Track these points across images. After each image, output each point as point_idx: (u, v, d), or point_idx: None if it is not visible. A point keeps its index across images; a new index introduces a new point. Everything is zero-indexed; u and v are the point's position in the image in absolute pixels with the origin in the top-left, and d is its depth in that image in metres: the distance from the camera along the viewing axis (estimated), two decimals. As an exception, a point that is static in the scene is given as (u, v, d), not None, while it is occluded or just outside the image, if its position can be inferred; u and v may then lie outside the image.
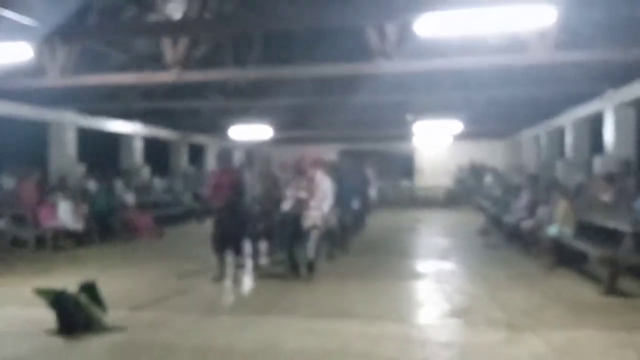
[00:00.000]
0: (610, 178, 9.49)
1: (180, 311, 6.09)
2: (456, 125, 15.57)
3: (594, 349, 4.66)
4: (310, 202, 7.53)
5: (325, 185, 7.77)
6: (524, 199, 10.74)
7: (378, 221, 14.76)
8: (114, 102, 12.65)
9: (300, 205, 7.55)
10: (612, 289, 6.50)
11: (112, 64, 9.85)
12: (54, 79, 8.93)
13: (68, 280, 6.24)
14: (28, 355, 4.67)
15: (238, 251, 7.89)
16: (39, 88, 9.50)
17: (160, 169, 18.27)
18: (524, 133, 20.48)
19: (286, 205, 7.68)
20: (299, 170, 7.66)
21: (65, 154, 13.61)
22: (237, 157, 20.27)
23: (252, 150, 21.69)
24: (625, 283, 6.76)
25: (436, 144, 22.85)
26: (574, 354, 4.57)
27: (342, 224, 9.60)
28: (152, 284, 7.46)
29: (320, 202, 7.61)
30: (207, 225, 8.27)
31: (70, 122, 13.69)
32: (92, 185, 12.93)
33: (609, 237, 7.31)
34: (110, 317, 5.40)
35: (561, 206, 8.36)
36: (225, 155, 8.45)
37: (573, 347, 4.71)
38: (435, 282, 7.62)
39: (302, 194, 7.57)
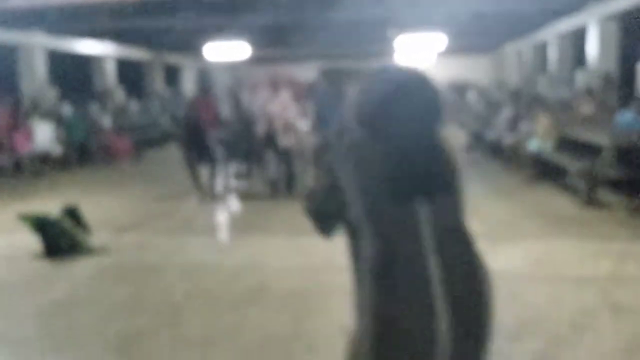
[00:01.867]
0: (591, 92, 9.47)
1: (163, 233, 6.11)
2: (440, 39, 15.23)
3: (570, 259, 4.79)
4: (284, 121, 7.42)
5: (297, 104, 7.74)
6: (505, 114, 10.73)
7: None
8: (83, 22, 12.11)
9: (274, 124, 7.44)
10: (590, 202, 6.64)
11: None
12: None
13: (49, 206, 6.19)
14: (15, 279, 4.69)
15: (211, 161, 7.88)
16: (4, 8, 9.02)
17: (136, 92, 17.82)
18: (507, 48, 20.20)
19: (261, 126, 7.58)
20: (272, 90, 7.53)
21: (36, 77, 13.15)
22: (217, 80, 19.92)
23: (230, 73, 21.35)
24: (603, 195, 6.90)
25: (419, 61, 22.52)
26: (551, 263, 4.70)
27: (323, 143, 9.55)
28: (133, 207, 7.44)
29: (293, 120, 7.55)
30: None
31: (39, 44, 13.14)
32: (66, 109, 12.60)
33: (589, 150, 7.38)
34: (95, 240, 5.41)
35: (542, 121, 8.37)
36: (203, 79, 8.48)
37: (550, 257, 4.84)
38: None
39: (275, 111, 7.45)
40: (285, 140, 7.44)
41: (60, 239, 5.19)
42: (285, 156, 7.55)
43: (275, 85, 7.48)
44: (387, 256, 1.70)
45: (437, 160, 1.81)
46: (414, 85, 1.87)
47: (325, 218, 1.97)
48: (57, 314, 3.91)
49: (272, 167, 7.70)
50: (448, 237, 1.76)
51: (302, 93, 8.64)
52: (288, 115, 7.43)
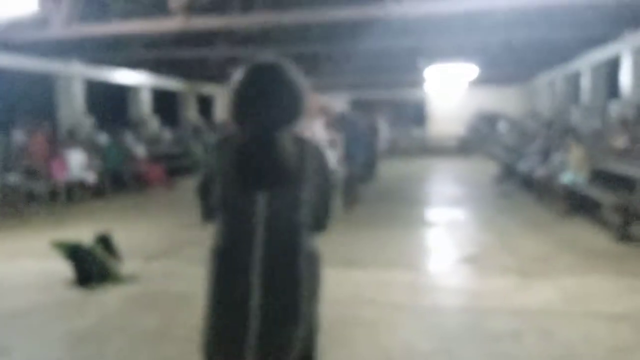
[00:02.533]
0: (625, 123, 9.30)
1: (193, 261, 6.14)
2: (471, 70, 15.23)
3: (604, 295, 4.67)
4: None
5: (331, 133, 7.74)
6: (537, 145, 10.61)
7: (390, 170, 14.73)
8: (120, 52, 12.49)
9: None
10: (624, 236, 6.48)
11: (116, 12, 9.65)
12: (58, 29, 8.79)
13: (82, 233, 6.32)
14: (45, 306, 4.75)
15: None
16: (44, 39, 9.37)
17: (170, 120, 18.21)
18: (539, 78, 20.05)
19: None
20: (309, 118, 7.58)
21: (73, 106, 13.56)
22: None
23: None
24: (638, 230, 6.72)
25: (449, 91, 22.50)
26: (584, 299, 4.58)
27: (351, 174, 9.56)
28: (164, 235, 7.53)
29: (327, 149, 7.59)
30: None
31: (77, 73, 13.59)
32: (102, 138, 12.94)
33: (623, 184, 7.23)
34: (125, 267, 5.48)
35: (575, 153, 8.24)
36: None
37: (583, 293, 4.72)
38: (447, 230, 7.62)
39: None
40: None
41: (92, 267, 5.27)
42: None
43: (308, 113, 7.50)
44: (226, 240, 1.97)
45: (280, 155, 1.93)
46: (268, 82, 1.99)
47: (204, 208, 2.16)
48: (86, 341, 3.95)
49: None
50: (278, 227, 1.93)
51: (333, 122, 8.65)
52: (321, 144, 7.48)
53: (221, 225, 2.01)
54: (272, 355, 1.92)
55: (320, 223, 2.11)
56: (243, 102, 2.00)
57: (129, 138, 13.41)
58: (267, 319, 1.91)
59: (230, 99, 2.02)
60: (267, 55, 2.12)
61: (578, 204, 8.08)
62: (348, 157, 9.15)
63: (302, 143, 2.00)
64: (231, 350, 1.94)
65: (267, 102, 1.97)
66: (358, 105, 21.61)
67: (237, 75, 2.05)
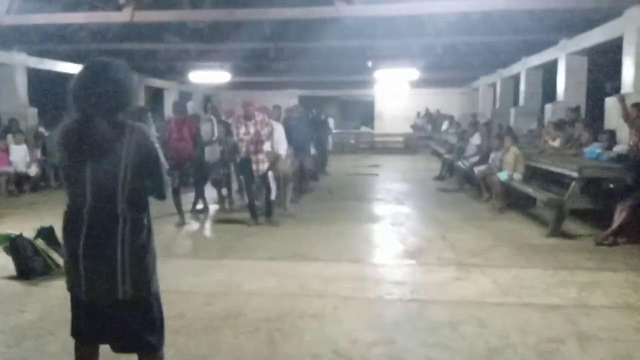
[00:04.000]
0: (560, 125, 9.78)
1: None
2: (417, 71, 15.61)
3: (537, 287, 4.92)
4: (260, 147, 7.47)
5: (277, 130, 7.78)
6: (476, 145, 11.02)
7: (337, 167, 14.91)
8: (65, 43, 12.14)
9: (249, 150, 7.48)
10: (557, 231, 6.84)
11: (63, 2, 9.39)
12: (1, 18, 8.50)
13: (24, 226, 6.18)
14: (-15, 300, 4.64)
15: (199, 195, 8.02)
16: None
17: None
18: (480, 81, 20.70)
19: (242, 151, 7.61)
20: (246, 116, 7.53)
21: (15, 96, 13.07)
22: (195, 104, 19.97)
23: (208, 98, 21.41)
24: (570, 225, 7.11)
25: (395, 91, 22.94)
26: (519, 290, 4.83)
27: (300, 170, 9.65)
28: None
29: (271, 145, 7.61)
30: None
31: (19, 63, 13.09)
32: (44, 129, 12.56)
33: (558, 182, 7.62)
34: (68, 261, 5.39)
35: (511, 152, 8.61)
36: (180, 103, 8.37)
37: (518, 285, 4.97)
38: (391, 224, 7.83)
39: (249, 138, 7.47)
40: (260, 166, 7.48)
41: (33, 260, 5.16)
42: (262, 181, 7.61)
43: (247, 111, 7.49)
44: (68, 204, 2.46)
45: (95, 135, 2.34)
46: (98, 76, 2.40)
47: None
48: (27, 336, 3.88)
49: (248, 191, 7.76)
50: (101, 192, 2.38)
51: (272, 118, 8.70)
52: (262, 140, 7.47)
53: (66, 198, 2.47)
54: (99, 293, 2.43)
55: (157, 190, 2.53)
56: (73, 94, 2.40)
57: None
58: (90, 265, 2.41)
59: (69, 90, 2.42)
60: (103, 57, 2.55)
61: (514, 201, 8.46)
62: (298, 151, 9.23)
63: (123, 127, 2.39)
64: (75, 288, 2.47)
65: (89, 94, 2.37)
66: (307, 102, 21.72)
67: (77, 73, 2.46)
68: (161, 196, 2.56)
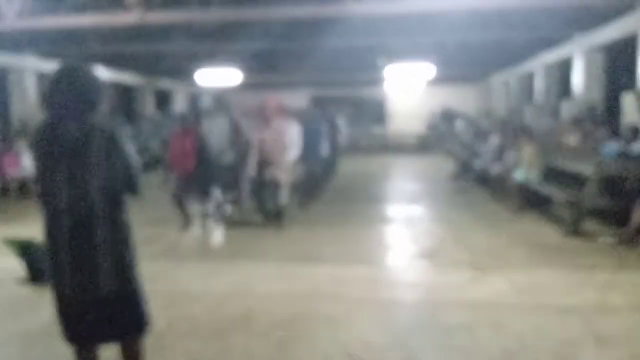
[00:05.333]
0: (576, 122, 9.62)
1: (149, 259, 6.04)
2: (429, 69, 15.46)
3: (555, 288, 4.82)
4: (276, 152, 7.40)
5: (291, 133, 7.65)
6: (492, 143, 10.86)
7: (349, 168, 14.82)
8: (75, 46, 12.18)
9: (266, 154, 7.41)
10: (574, 231, 6.70)
11: (71, 5, 9.40)
12: (11, 22, 8.54)
13: (35, 230, 6.14)
14: (-5, 304, 4.63)
15: (205, 197, 7.89)
16: (-5, 31, 9.08)
17: (126, 116, 17.85)
18: (494, 78, 20.52)
19: (253, 157, 7.52)
20: (263, 118, 7.45)
21: (26, 100, 13.15)
22: (205, 104, 19.97)
23: (221, 97, 21.40)
24: (588, 225, 6.97)
25: (408, 90, 22.78)
26: (536, 292, 4.72)
27: (311, 172, 9.56)
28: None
29: (286, 151, 7.50)
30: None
31: (30, 67, 13.18)
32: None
33: (575, 180, 7.47)
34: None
35: (528, 150, 8.47)
36: (195, 103, 8.20)
37: (535, 286, 4.86)
38: (404, 226, 7.73)
39: (267, 144, 7.38)
40: (274, 170, 7.41)
41: (44, 264, 5.13)
42: (274, 186, 7.52)
43: (265, 113, 7.41)
44: (45, 200, 2.55)
45: (65, 135, 2.49)
46: (67, 80, 2.55)
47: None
48: (38, 340, 3.87)
49: (260, 195, 7.68)
50: (77, 193, 2.49)
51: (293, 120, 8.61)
52: (281, 145, 7.40)
53: (41, 194, 2.58)
54: (83, 291, 2.55)
55: (129, 187, 2.65)
56: (45, 98, 2.58)
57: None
58: (73, 264, 2.52)
59: (42, 96, 2.68)
60: (72, 60, 2.74)
61: (531, 200, 8.31)
62: (307, 153, 9.14)
63: (93, 128, 2.51)
64: (60, 288, 2.58)
65: (59, 98, 2.54)
66: (318, 102, 21.66)
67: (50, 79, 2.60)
68: (134, 193, 2.69)
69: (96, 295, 2.55)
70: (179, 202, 7.63)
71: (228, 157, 8.24)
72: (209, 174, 7.77)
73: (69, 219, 2.50)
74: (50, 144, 2.51)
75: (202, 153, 7.61)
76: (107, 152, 2.51)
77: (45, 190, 2.55)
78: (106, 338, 2.72)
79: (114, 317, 2.63)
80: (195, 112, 7.85)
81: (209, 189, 8.00)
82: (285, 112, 8.09)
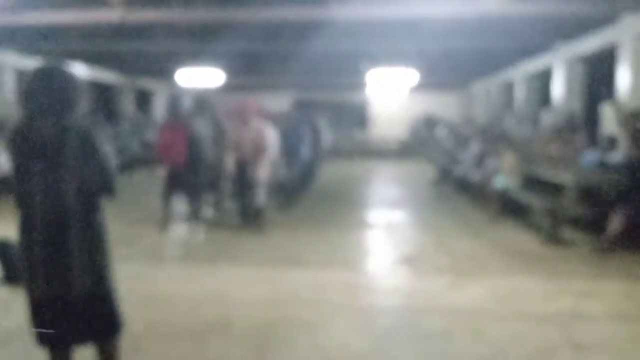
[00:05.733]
0: (556, 131, 9.73)
1: (126, 259, 5.97)
2: (412, 75, 15.53)
3: (533, 294, 4.85)
4: (254, 152, 7.36)
5: (269, 134, 7.61)
6: (472, 150, 10.93)
7: (331, 172, 14.82)
8: (55, 43, 11.99)
9: (244, 155, 7.37)
10: (553, 239, 6.76)
11: (52, 1, 9.25)
12: (-11, 17, 8.39)
13: (11, 229, 6.02)
14: (-34, 305, 4.51)
15: (193, 198, 7.82)
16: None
17: (105, 115, 17.63)
18: (475, 85, 20.70)
19: (231, 156, 7.46)
20: (242, 120, 7.40)
21: (4, 97, 12.91)
22: (187, 104, 19.80)
23: (203, 97, 21.25)
24: (566, 233, 7.03)
25: (390, 95, 22.87)
26: (514, 299, 4.74)
27: (291, 175, 9.53)
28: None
29: (264, 151, 7.45)
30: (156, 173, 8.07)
31: (9, 63, 12.95)
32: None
33: (553, 189, 7.55)
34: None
35: (508, 158, 8.54)
36: (175, 102, 8.06)
37: (513, 293, 4.89)
38: (385, 231, 7.74)
39: (246, 145, 7.35)
40: (254, 171, 7.36)
41: (19, 265, 5.03)
42: (253, 187, 7.46)
43: (243, 114, 7.36)
44: (20, 200, 2.57)
45: (39, 135, 2.51)
46: (45, 79, 2.58)
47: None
48: (11, 342, 3.78)
49: (239, 197, 7.64)
50: (51, 193, 2.51)
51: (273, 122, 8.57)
52: (258, 145, 7.36)
53: (16, 193, 2.59)
54: (57, 291, 2.56)
55: (104, 188, 2.66)
56: (22, 98, 2.60)
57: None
58: (47, 264, 2.54)
59: (20, 95, 2.68)
60: (49, 61, 2.74)
61: (510, 208, 8.37)
62: (287, 156, 9.12)
63: (68, 128, 2.53)
64: (34, 288, 2.60)
65: (36, 98, 2.56)
66: (300, 105, 21.52)
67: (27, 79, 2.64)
68: (109, 193, 2.70)
69: (69, 296, 2.57)
70: (167, 198, 7.55)
71: (211, 158, 8.19)
72: (199, 174, 7.70)
73: (43, 219, 2.52)
74: (26, 143, 2.53)
75: (194, 151, 7.54)
76: (82, 152, 2.53)
77: (20, 189, 2.57)
78: (79, 339, 2.74)
79: (87, 317, 2.66)
80: (175, 113, 7.74)
81: (198, 190, 7.91)
82: (264, 114, 8.06)
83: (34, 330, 2.67)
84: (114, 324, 2.81)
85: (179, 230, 7.57)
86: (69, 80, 2.65)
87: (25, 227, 2.58)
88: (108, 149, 2.66)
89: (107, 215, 2.81)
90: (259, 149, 7.34)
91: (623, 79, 8.89)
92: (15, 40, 11.67)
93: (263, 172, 7.44)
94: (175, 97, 8.29)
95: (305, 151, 10.16)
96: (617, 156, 7.57)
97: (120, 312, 2.85)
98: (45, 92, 2.56)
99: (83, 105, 2.71)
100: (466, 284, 5.15)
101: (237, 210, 7.82)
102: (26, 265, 2.61)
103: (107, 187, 2.67)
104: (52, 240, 2.54)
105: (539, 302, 4.68)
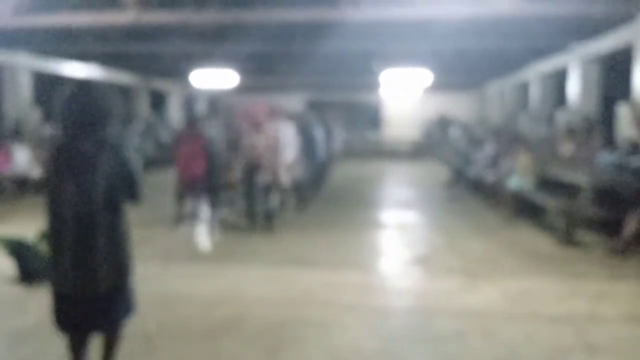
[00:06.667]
0: (571, 132, 9.64)
1: (141, 260, 5.97)
2: (425, 75, 15.48)
3: (546, 297, 4.81)
4: (269, 156, 7.36)
5: (284, 135, 7.61)
6: (486, 151, 10.87)
7: (343, 173, 14.81)
8: (70, 44, 12.11)
9: (256, 159, 7.36)
10: (567, 240, 6.70)
11: (67, 3, 9.36)
12: (6, 19, 8.50)
13: (27, 229, 6.11)
14: (-17, 303, 4.58)
15: (211, 200, 7.86)
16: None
17: (122, 117, 17.75)
18: (489, 86, 20.57)
19: (242, 160, 7.47)
20: (253, 123, 7.40)
21: (20, 98, 13.06)
22: (201, 106, 19.93)
23: (217, 99, 21.35)
24: (581, 235, 6.97)
25: (403, 96, 22.81)
26: (528, 301, 4.71)
27: (305, 176, 9.54)
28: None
29: (280, 154, 7.45)
30: (169, 175, 8.13)
31: (24, 64, 13.10)
32: (48, 131, 12.52)
33: (569, 190, 7.48)
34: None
35: (522, 159, 8.48)
36: (191, 107, 8.17)
37: (527, 295, 4.85)
38: (397, 231, 7.72)
39: (257, 149, 7.34)
40: (266, 175, 7.37)
41: (35, 264, 5.09)
42: (265, 190, 7.47)
43: (255, 118, 7.36)
44: (50, 214, 2.76)
45: (77, 152, 2.71)
46: (82, 100, 2.77)
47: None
48: (26, 340, 3.83)
49: (250, 199, 7.64)
50: (83, 202, 2.70)
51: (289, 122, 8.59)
52: (274, 149, 7.36)
53: (48, 201, 2.77)
54: (83, 289, 2.76)
55: (131, 196, 2.85)
56: (60, 117, 2.77)
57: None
58: (76, 265, 2.72)
59: (56, 113, 2.81)
60: (87, 81, 2.98)
61: (524, 209, 8.31)
62: (302, 157, 9.12)
63: (103, 144, 2.74)
64: (61, 286, 2.78)
65: (74, 117, 2.75)
66: (313, 106, 21.63)
67: (60, 97, 2.80)
68: (136, 200, 2.90)
69: (95, 292, 2.77)
70: (181, 198, 7.60)
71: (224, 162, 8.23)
72: (218, 180, 7.72)
73: (74, 222, 2.70)
74: (64, 160, 2.73)
75: (212, 159, 7.57)
76: (114, 167, 2.73)
77: (53, 198, 2.75)
78: (99, 327, 2.93)
79: (107, 309, 2.86)
80: (192, 117, 7.79)
81: (217, 196, 7.94)
82: (279, 115, 8.07)
83: (54, 317, 2.87)
84: (128, 309, 3.00)
85: (193, 231, 7.61)
86: (104, 99, 2.81)
87: (56, 232, 2.76)
88: (137, 160, 2.85)
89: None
90: (275, 152, 7.32)
91: (639, 78, 8.79)
92: (30, 42, 11.80)
93: (284, 177, 7.44)
94: (190, 101, 8.39)
95: (318, 152, 10.16)
96: (638, 161, 7.47)
97: (135, 300, 3.06)
98: (83, 111, 2.75)
99: (117, 121, 2.90)
100: (479, 285, 5.12)
101: (246, 212, 7.83)
102: (54, 266, 2.79)
103: (134, 196, 2.87)
104: (80, 241, 2.72)
105: (553, 303, 4.64)
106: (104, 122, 2.80)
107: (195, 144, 7.46)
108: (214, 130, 8.19)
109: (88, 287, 2.76)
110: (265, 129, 7.36)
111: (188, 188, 7.57)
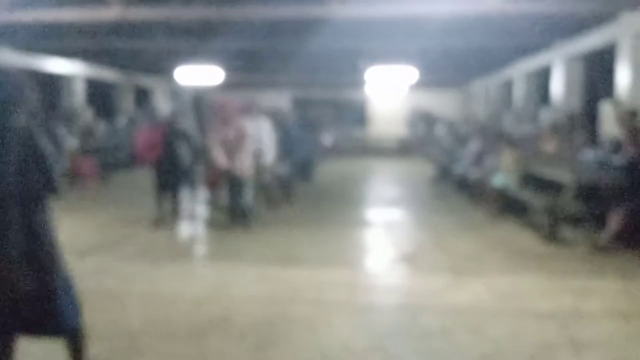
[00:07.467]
0: (555, 130, 9.72)
1: (125, 258, 5.98)
2: (411, 73, 15.52)
3: (532, 292, 4.84)
4: (239, 153, 7.28)
5: (257, 130, 7.54)
6: (471, 148, 10.93)
7: (329, 170, 14.81)
8: (54, 40, 11.97)
9: (229, 153, 7.28)
10: (552, 237, 6.76)
11: (50, -1, 9.25)
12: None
13: None
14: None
15: (175, 195, 7.80)
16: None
17: (105, 113, 17.58)
18: (475, 83, 20.67)
19: (218, 152, 7.40)
20: (223, 120, 7.31)
21: None
22: (185, 102, 19.80)
23: (200, 96, 21.22)
24: (565, 231, 7.03)
25: (389, 93, 22.85)
26: (513, 297, 4.74)
27: (284, 171, 9.47)
28: (96, 231, 7.27)
29: (247, 149, 7.37)
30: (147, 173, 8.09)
31: (6, 61, 12.91)
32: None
33: (553, 187, 7.54)
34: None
35: (507, 156, 8.53)
36: (173, 100, 8.18)
37: (513, 292, 4.88)
38: (384, 229, 7.73)
39: (228, 144, 7.26)
40: (241, 171, 7.28)
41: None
42: (238, 186, 7.41)
43: (224, 114, 7.28)
44: None
45: (2, 138, 2.50)
46: None
47: None
48: None
49: (246, 194, 7.59)
50: (8, 201, 2.48)
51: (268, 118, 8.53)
52: (241, 143, 7.27)
53: None
54: (4, 289, 2.54)
55: (47, 188, 2.63)
56: None
57: (59, 129, 12.86)
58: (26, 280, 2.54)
59: None
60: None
61: (509, 206, 8.38)
62: (282, 155, 9.06)
63: (13, 129, 2.53)
64: None
65: None
66: (299, 103, 21.62)
67: None
68: (52, 191, 2.67)
69: (10, 294, 2.57)
70: (159, 197, 7.55)
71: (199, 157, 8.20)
72: (176, 171, 7.68)
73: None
74: None
75: (170, 148, 7.53)
76: (24, 152, 2.53)
77: None
78: (23, 331, 2.79)
79: (32, 313, 2.68)
80: (179, 112, 7.80)
81: (177, 186, 7.86)
82: (253, 110, 7.98)
83: None
84: (64, 323, 2.79)
85: (175, 228, 7.56)
86: (14, 81, 2.65)
87: None
88: (51, 148, 2.63)
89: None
90: (242, 147, 7.23)
91: (622, 77, 8.89)
92: (13, 38, 11.64)
93: (247, 169, 7.34)
94: (178, 97, 8.43)
95: (299, 149, 10.12)
96: (621, 159, 7.55)
97: (75, 312, 2.85)
98: None
99: (29, 104, 2.72)
100: (465, 282, 5.15)
101: (229, 209, 7.77)
102: None
103: (51, 187, 2.65)
104: None
105: (538, 300, 4.68)
106: (12, 106, 2.60)
107: (153, 133, 7.53)
108: (189, 124, 8.17)
109: (10, 287, 2.56)
110: (233, 124, 7.24)
111: (161, 179, 7.59)
